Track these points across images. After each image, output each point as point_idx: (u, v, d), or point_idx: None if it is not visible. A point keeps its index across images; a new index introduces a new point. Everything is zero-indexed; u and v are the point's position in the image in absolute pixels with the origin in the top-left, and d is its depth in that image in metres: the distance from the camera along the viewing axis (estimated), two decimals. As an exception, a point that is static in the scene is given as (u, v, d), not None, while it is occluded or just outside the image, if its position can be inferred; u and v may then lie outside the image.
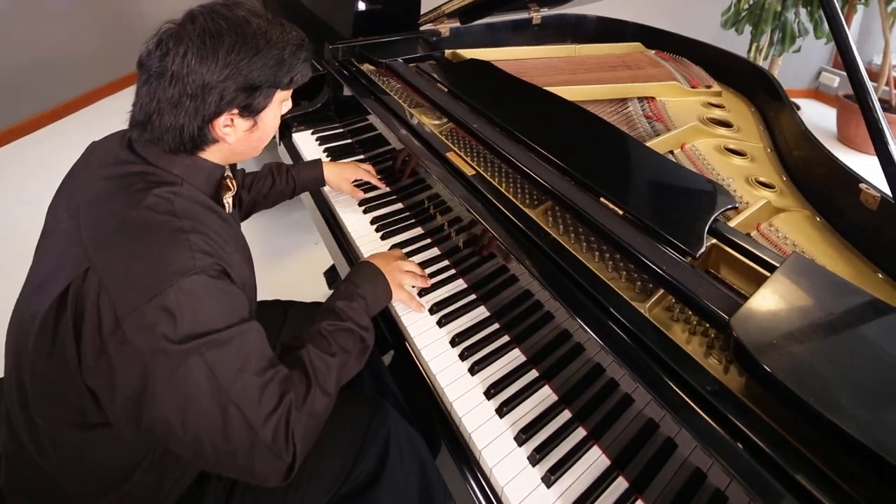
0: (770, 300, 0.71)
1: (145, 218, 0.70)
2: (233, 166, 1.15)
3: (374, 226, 1.30)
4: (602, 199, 0.94)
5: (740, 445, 0.62)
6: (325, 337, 0.85)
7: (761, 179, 1.14)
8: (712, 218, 0.86)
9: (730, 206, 0.91)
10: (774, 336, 0.66)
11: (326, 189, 1.43)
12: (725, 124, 1.39)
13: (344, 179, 1.36)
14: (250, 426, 0.68)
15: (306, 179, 1.34)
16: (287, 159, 1.65)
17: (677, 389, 0.68)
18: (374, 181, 1.39)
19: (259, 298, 0.96)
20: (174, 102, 0.73)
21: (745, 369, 0.67)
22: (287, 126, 1.68)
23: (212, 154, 0.81)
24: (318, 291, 2.15)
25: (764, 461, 0.60)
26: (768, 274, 0.79)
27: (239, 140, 0.81)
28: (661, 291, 0.81)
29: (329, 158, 1.55)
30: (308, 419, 0.74)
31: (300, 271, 2.31)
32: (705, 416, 0.65)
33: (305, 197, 1.49)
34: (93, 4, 3.62)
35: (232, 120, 0.78)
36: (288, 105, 0.86)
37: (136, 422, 0.69)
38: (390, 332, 1.07)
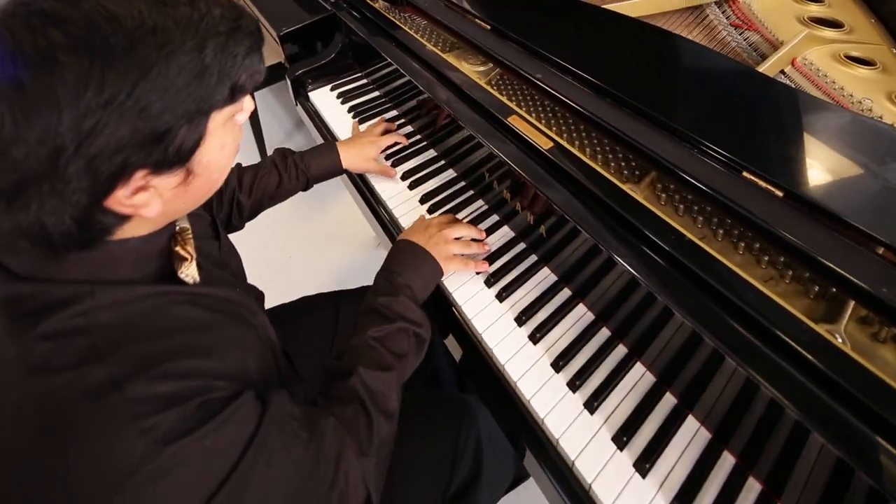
0: None
1: (36, 396, 0.41)
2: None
3: (425, 204, 1.05)
4: (745, 175, 0.67)
5: None
6: (375, 348, 0.68)
7: (913, 99, 0.84)
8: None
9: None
10: None
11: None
12: (833, 24, 1.05)
13: (367, 160, 1.07)
14: None
15: (320, 171, 1.04)
16: (308, 122, 1.36)
17: None
18: (402, 140, 1.13)
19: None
20: (9, 195, 0.39)
21: None
22: (301, 83, 1.36)
23: (132, 230, 0.49)
24: (365, 234, 1.91)
25: None
26: None
27: (171, 200, 0.48)
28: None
29: (356, 119, 1.26)
30: (378, 458, 0.61)
31: (346, 214, 2.02)
32: None
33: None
34: None
35: (146, 182, 0.44)
36: (248, 110, 0.51)
37: None
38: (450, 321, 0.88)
